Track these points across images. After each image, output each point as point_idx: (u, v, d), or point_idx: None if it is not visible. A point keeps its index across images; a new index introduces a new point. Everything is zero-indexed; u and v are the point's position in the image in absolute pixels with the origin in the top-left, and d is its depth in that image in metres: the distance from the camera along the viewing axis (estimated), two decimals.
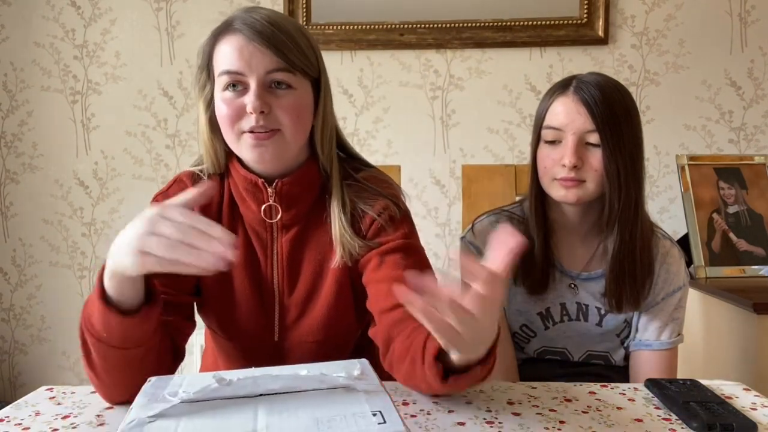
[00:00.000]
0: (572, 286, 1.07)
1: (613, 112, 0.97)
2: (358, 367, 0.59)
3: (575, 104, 0.98)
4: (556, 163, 1.00)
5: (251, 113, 0.82)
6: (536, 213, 1.06)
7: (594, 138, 0.97)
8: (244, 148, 0.86)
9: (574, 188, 0.99)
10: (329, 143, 0.93)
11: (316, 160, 0.93)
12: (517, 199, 1.20)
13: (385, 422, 0.47)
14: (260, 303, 0.93)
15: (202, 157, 0.95)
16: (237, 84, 0.84)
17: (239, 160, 0.92)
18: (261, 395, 0.54)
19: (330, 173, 0.93)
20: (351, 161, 0.98)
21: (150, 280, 0.74)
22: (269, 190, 0.89)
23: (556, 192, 1.01)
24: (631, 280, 1.02)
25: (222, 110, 0.85)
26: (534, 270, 1.05)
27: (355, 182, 0.93)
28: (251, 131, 0.84)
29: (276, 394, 0.54)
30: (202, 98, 0.90)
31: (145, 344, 0.75)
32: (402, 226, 0.91)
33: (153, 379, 0.59)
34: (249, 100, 0.82)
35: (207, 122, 0.90)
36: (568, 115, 0.99)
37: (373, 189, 0.92)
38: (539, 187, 1.05)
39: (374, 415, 0.49)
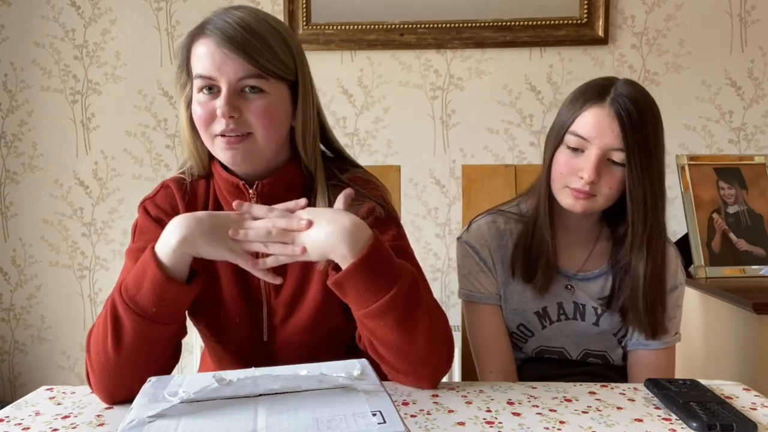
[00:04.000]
0: (569, 287, 1.07)
1: (646, 135, 0.94)
2: (358, 367, 0.59)
3: (609, 118, 0.94)
4: (573, 173, 0.97)
5: (221, 117, 0.83)
6: (547, 214, 1.03)
7: (618, 156, 0.94)
8: (218, 150, 0.87)
9: (584, 200, 0.97)
10: (312, 143, 0.92)
11: (298, 160, 0.93)
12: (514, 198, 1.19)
13: (385, 422, 0.47)
14: (248, 304, 0.93)
15: (186, 158, 0.95)
16: (212, 87, 0.84)
17: (221, 162, 0.92)
18: (261, 395, 0.54)
19: (314, 174, 0.92)
20: (337, 161, 0.97)
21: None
22: (251, 191, 0.89)
23: (565, 199, 1.00)
24: (662, 304, 1.01)
25: (197, 112, 0.86)
26: (539, 271, 1.04)
27: (340, 183, 0.93)
28: (222, 135, 0.85)
29: (276, 394, 0.54)
30: (183, 97, 0.90)
31: (179, 321, 0.82)
32: (388, 228, 0.90)
33: (153, 379, 0.60)
34: (219, 104, 0.83)
35: (188, 122, 0.91)
36: (598, 128, 0.94)
37: (358, 191, 0.91)
38: (550, 189, 1.03)
39: (374, 415, 0.49)
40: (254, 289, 0.93)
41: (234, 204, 0.80)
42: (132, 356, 0.77)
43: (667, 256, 1.05)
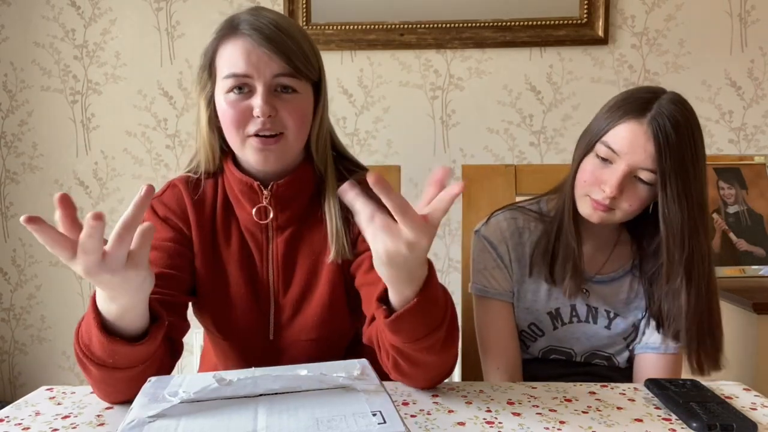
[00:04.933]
0: (584, 290, 1.06)
1: (682, 159, 0.90)
2: (358, 367, 0.59)
3: (645, 137, 0.90)
4: (596, 183, 0.95)
5: (259, 117, 0.83)
6: (572, 221, 1.01)
7: (645, 176, 0.92)
8: (249, 151, 0.86)
9: (602, 212, 0.96)
10: (324, 145, 0.94)
11: (310, 161, 0.94)
12: (527, 197, 1.17)
13: (385, 422, 0.47)
14: (255, 302, 0.93)
15: (196, 155, 0.96)
16: (243, 87, 0.84)
17: (234, 161, 0.92)
18: (261, 395, 0.54)
19: (325, 174, 0.94)
20: (344, 162, 0.98)
21: (152, 303, 0.73)
22: (265, 192, 0.90)
23: (584, 208, 0.98)
24: (711, 337, 0.96)
25: (226, 112, 0.85)
26: (567, 276, 1.02)
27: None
28: (257, 134, 0.84)
29: (276, 394, 0.54)
30: (203, 96, 0.90)
31: (150, 359, 0.73)
32: None
33: (153, 379, 0.59)
34: (257, 103, 0.83)
35: (207, 120, 0.91)
36: (631, 144, 0.91)
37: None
38: (574, 195, 1.01)
39: (374, 415, 0.49)
40: (262, 287, 0.94)
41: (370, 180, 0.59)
42: (109, 391, 0.75)
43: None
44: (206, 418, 0.50)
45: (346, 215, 0.91)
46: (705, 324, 0.95)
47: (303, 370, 0.57)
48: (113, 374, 0.71)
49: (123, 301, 0.66)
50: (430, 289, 0.67)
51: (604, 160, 0.94)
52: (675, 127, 0.90)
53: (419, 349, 0.71)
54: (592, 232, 1.05)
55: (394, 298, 0.69)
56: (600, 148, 0.95)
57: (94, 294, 0.69)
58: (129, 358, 0.70)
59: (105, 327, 0.68)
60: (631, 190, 0.94)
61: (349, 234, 0.91)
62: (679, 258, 0.93)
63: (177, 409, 0.51)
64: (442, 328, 0.71)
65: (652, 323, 1.04)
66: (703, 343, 0.95)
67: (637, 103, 0.93)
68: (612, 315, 1.06)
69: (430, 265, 0.69)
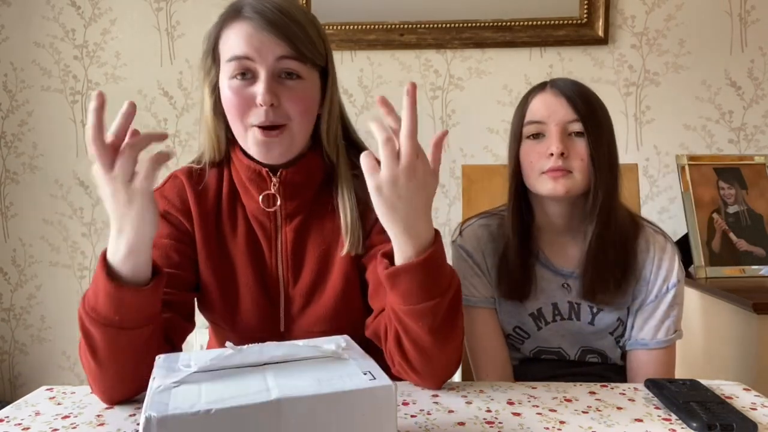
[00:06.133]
0: (565, 285, 1.07)
1: (591, 103, 1.01)
2: (342, 341, 0.66)
3: (555, 97, 1.01)
4: (542, 156, 1.00)
5: (261, 106, 0.82)
6: (513, 214, 1.06)
7: (577, 127, 0.99)
8: (251, 143, 0.85)
9: (563, 178, 0.99)
10: (334, 132, 0.92)
11: (320, 148, 0.92)
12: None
13: (375, 378, 0.56)
14: (265, 293, 0.92)
15: (203, 145, 0.94)
16: (246, 72, 0.83)
17: (242, 148, 0.91)
18: (266, 364, 0.60)
19: (336, 162, 0.92)
20: (356, 151, 0.97)
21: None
22: (273, 179, 0.89)
23: (544, 186, 1.00)
24: (609, 270, 1.01)
25: (230, 99, 0.84)
26: (512, 271, 1.05)
27: (361, 174, 0.93)
28: (260, 126, 0.83)
29: (279, 363, 0.60)
30: (207, 82, 0.89)
31: (153, 322, 0.74)
32: None
33: (162, 356, 0.63)
34: (259, 91, 0.81)
35: (212, 107, 0.89)
36: (549, 107, 1.00)
37: None
38: (519, 191, 1.05)
39: (365, 374, 0.57)
40: (271, 278, 0.92)
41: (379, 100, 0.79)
42: (112, 365, 0.74)
43: (664, 252, 1.04)
44: (223, 382, 0.55)
45: (364, 208, 0.90)
46: (605, 256, 1.01)
47: (299, 342, 0.64)
48: (118, 339, 0.72)
49: (129, 235, 0.69)
50: (432, 253, 0.72)
51: (537, 136, 1.02)
52: (571, 83, 1.03)
53: (418, 317, 0.73)
54: (560, 225, 1.06)
55: (397, 256, 0.73)
56: (528, 129, 1.03)
57: (104, 252, 0.71)
58: (134, 313, 0.71)
59: (112, 276, 0.70)
60: (573, 147, 0.99)
61: (363, 226, 0.90)
62: (601, 195, 0.99)
63: (194, 377, 0.56)
64: (443, 298, 0.73)
65: (639, 318, 1.05)
66: (596, 272, 1.01)
67: (535, 86, 1.06)
68: (595, 310, 1.06)
69: (437, 236, 0.74)
